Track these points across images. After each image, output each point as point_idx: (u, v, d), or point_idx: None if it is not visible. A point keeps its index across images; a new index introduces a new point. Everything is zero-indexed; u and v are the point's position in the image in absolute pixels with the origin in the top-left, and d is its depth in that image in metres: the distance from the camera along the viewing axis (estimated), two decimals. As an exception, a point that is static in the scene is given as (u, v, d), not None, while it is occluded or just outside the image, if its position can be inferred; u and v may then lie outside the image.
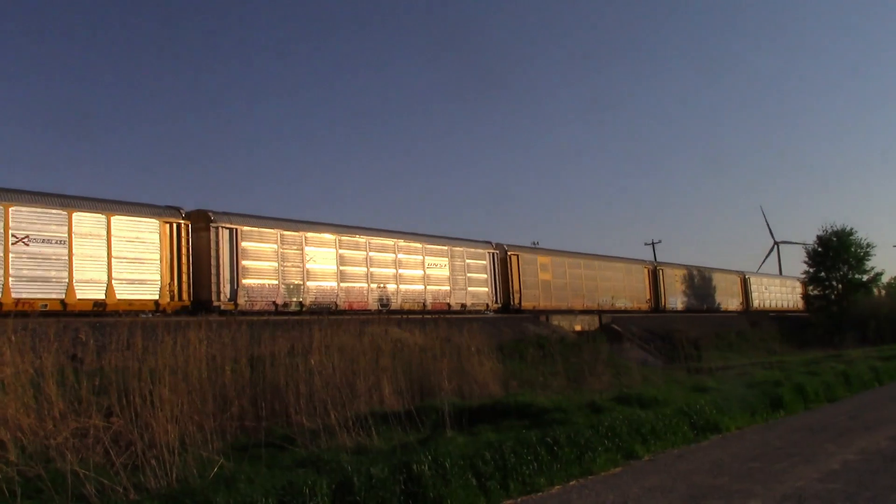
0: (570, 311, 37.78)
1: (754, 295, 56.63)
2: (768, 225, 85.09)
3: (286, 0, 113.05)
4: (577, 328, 36.54)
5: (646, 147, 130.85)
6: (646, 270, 46.83)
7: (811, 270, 52.91)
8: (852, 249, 51.22)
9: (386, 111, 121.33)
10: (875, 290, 53.79)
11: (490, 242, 35.24)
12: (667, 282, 47.60)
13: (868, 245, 51.55)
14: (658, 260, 55.09)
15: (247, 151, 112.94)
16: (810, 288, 54.18)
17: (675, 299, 48.16)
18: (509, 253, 35.89)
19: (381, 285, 28.59)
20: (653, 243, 70.29)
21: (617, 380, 17.76)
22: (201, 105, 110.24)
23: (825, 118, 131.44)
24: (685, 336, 32.56)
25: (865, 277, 51.83)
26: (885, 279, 55.35)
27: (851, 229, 51.62)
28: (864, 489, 7.92)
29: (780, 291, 61.07)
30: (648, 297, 46.30)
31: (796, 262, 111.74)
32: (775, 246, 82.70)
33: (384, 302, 28.38)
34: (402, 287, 29.44)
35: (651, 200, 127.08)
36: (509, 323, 30.84)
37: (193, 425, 8.86)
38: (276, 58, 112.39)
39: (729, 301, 53.94)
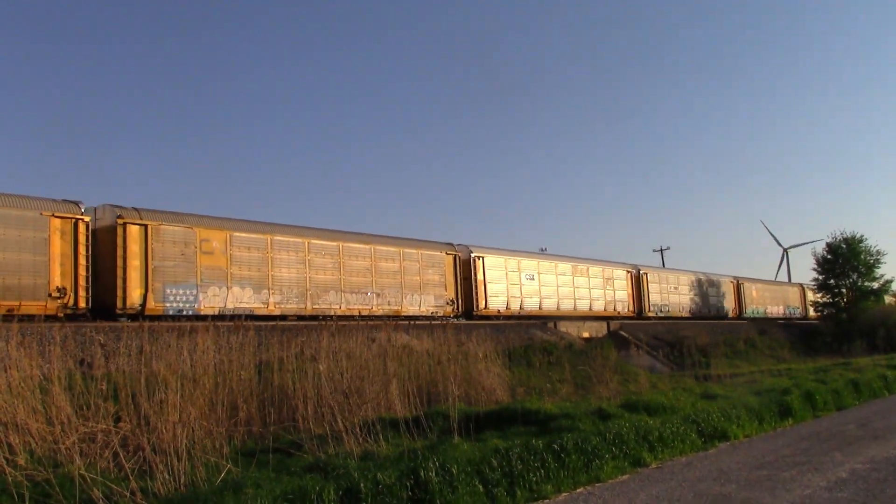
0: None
1: (525, 290, 36.07)
2: (773, 235, 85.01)
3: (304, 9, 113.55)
4: (585, 335, 36.48)
5: (654, 153, 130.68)
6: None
7: (820, 277, 52.72)
8: (862, 257, 50.97)
9: (392, 118, 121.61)
10: (885, 298, 53.47)
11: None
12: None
13: (878, 252, 51.35)
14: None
15: (251, 158, 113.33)
16: (819, 295, 53.97)
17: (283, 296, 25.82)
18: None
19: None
20: (661, 250, 70.21)
21: (624, 386, 17.73)
22: (199, 111, 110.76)
23: (835, 123, 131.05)
24: (694, 343, 32.45)
25: (875, 285, 51.57)
26: (894, 287, 54.99)
27: (861, 236, 51.47)
28: (872, 498, 7.89)
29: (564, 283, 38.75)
30: None
31: (806, 269, 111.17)
32: (784, 253, 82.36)
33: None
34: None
35: (659, 206, 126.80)
36: (517, 329, 30.84)
37: (202, 430, 8.89)
38: (280, 65, 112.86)
39: (413, 298, 30.23)
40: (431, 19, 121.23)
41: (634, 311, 43.48)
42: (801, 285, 62.32)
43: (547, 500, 8.37)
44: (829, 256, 51.92)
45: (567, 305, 38.30)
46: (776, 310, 57.47)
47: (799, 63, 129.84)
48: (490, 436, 10.49)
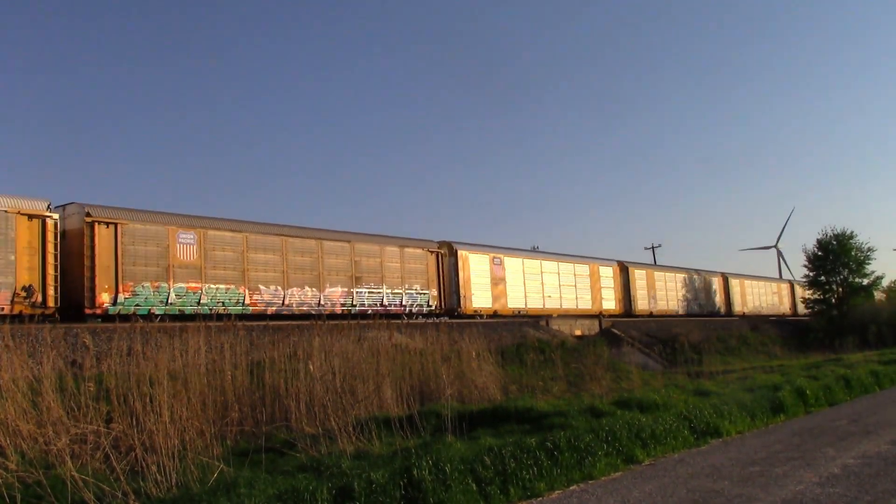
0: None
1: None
2: (758, 248, 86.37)
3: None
4: (578, 332, 36.52)
5: (647, 149, 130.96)
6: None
7: (811, 274, 52.90)
8: (852, 253, 51.17)
9: (380, 109, 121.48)
10: (875, 294, 53.70)
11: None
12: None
13: (868, 249, 51.59)
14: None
15: (241, 150, 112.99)
16: (809, 292, 54.21)
17: None
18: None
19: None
20: (653, 247, 70.29)
21: (617, 384, 17.76)
22: (184, 105, 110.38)
23: (825, 120, 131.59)
24: (686, 340, 32.53)
25: (866, 281, 51.79)
26: (885, 283, 55.24)
27: (852, 233, 51.69)
28: (864, 493, 7.91)
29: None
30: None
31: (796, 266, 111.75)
32: (778, 251, 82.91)
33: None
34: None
35: (651, 203, 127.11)
36: (509, 327, 30.87)
37: (194, 431, 8.86)
38: (269, 55, 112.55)
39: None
40: (422, 16, 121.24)
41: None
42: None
43: (540, 498, 8.36)
44: (819, 253, 52.12)
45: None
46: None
47: (793, 60, 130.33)
48: (483, 434, 10.48)
